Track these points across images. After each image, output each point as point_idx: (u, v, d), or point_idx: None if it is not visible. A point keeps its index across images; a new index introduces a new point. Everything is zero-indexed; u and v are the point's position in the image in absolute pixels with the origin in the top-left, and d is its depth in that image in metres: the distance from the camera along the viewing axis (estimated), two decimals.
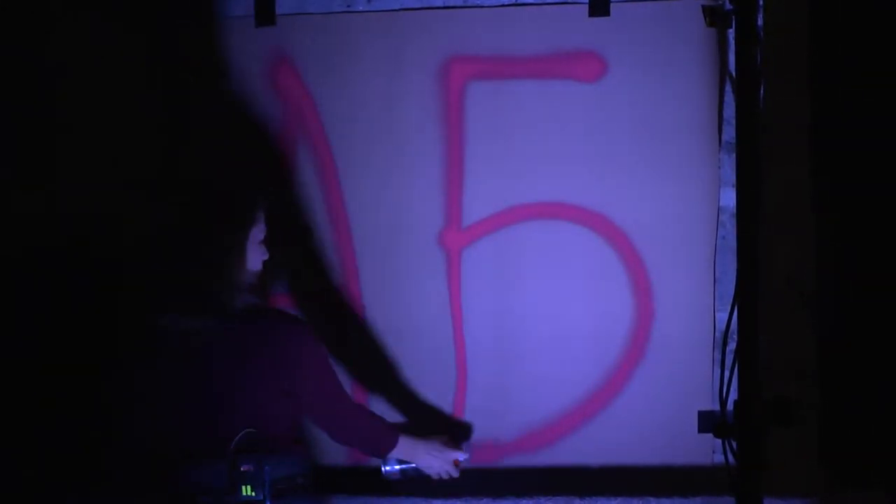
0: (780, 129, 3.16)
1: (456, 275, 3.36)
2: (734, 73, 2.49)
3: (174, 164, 3.40)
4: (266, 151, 3.41)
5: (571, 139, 3.29)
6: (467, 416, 3.38)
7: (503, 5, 3.31)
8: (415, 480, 3.15)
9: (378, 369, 3.40)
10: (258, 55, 3.39)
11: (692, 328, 3.26)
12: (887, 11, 3.08)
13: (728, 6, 3.04)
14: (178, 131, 3.41)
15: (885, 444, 3.06)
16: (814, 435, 3.14)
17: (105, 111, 3.40)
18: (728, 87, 3.21)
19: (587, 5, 3.26)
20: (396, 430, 3.08)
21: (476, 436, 3.37)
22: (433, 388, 3.38)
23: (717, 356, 3.23)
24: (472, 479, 3.30)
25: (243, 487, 2.66)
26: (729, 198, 3.22)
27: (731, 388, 2.49)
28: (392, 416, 3.37)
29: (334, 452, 3.33)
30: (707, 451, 3.26)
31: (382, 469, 3.11)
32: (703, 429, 3.25)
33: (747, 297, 2.39)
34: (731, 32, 2.80)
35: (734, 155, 2.53)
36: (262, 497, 2.66)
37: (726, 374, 2.54)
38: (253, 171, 3.37)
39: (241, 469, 2.66)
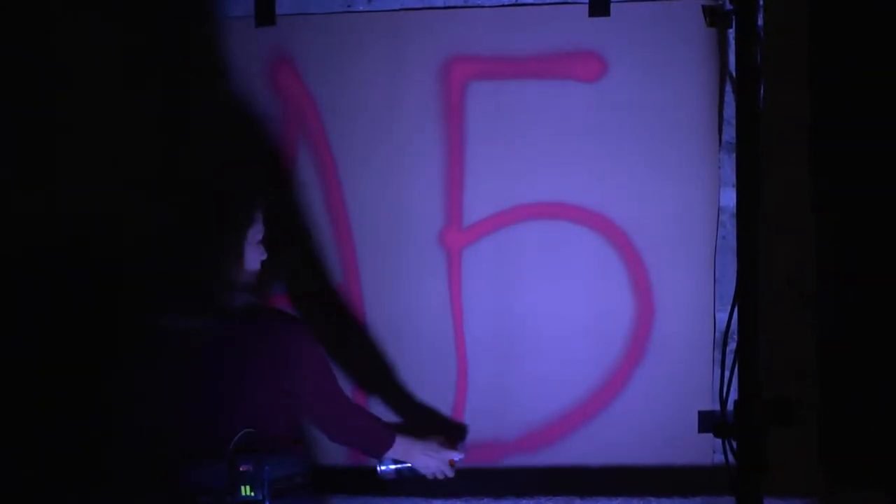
0: (780, 129, 3.16)
1: (456, 274, 3.36)
2: (734, 73, 2.48)
3: (174, 164, 3.39)
4: (266, 151, 3.41)
5: (572, 139, 3.29)
6: (467, 416, 3.38)
7: (503, 5, 3.31)
8: (410, 480, 3.16)
9: (378, 369, 3.40)
10: (258, 55, 3.40)
11: (692, 328, 3.26)
12: (887, 11, 3.08)
13: (728, 6, 3.03)
14: (178, 131, 3.41)
15: (885, 444, 3.06)
16: (814, 435, 3.14)
17: (105, 111, 3.40)
18: (728, 87, 3.21)
19: (587, 5, 3.26)
20: (393, 430, 3.09)
21: (476, 435, 3.37)
22: (433, 388, 3.38)
23: (718, 356, 3.23)
24: (473, 479, 3.30)
25: (242, 487, 2.66)
26: (729, 198, 3.22)
27: (732, 388, 2.49)
28: (392, 416, 3.38)
29: (334, 452, 3.33)
30: (707, 450, 3.26)
31: (378, 469, 3.12)
32: (703, 429, 3.25)
33: (747, 297, 2.39)
34: (732, 32, 2.80)
35: (734, 155, 2.53)
36: (261, 497, 2.66)
37: (726, 374, 2.54)
38: (253, 171, 3.37)
39: (241, 469, 2.66)
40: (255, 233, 2.86)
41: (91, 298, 3.32)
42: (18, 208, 3.37)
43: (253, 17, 3.39)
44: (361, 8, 3.37)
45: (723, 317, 2.81)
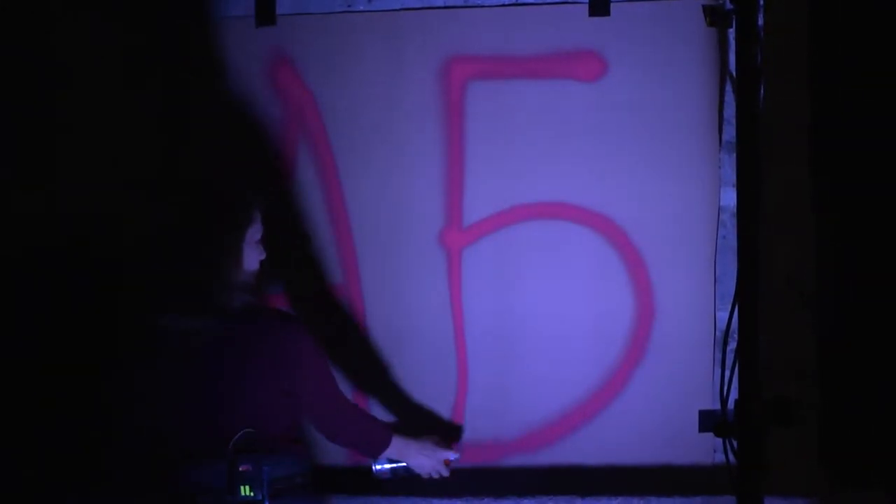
0: (780, 129, 3.16)
1: (456, 274, 3.36)
2: (734, 73, 2.48)
3: (174, 164, 3.40)
4: (266, 151, 3.41)
5: (572, 139, 3.29)
6: (467, 416, 3.38)
7: (503, 5, 3.31)
8: (406, 479, 3.16)
9: (378, 369, 3.40)
10: (258, 55, 3.40)
11: (693, 327, 3.27)
12: (887, 11, 3.08)
13: (728, 6, 3.03)
14: (178, 131, 3.41)
15: (885, 444, 3.06)
16: (814, 435, 3.14)
17: (105, 111, 3.40)
18: (728, 87, 3.21)
19: (587, 5, 3.26)
20: (390, 430, 3.09)
21: (477, 435, 3.37)
22: (434, 388, 3.38)
23: (718, 355, 3.23)
24: (474, 479, 3.30)
25: (242, 487, 2.66)
26: (729, 197, 3.22)
27: (732, 388, 2.49)
28: (392, 416, 3.38)
29: (334, 452, 3.33)
30: (708, 450, 3.26)
31: (373, 468, 3.12)
32: (703, 428, 3.22)
33: (748, 296, 2.39)
34: (732, 32, 2.79)
35: (734, 154, 2.53)
36: (260, 497, 2.66)
37: (727, 373, 2.54)
38: (253, 171, 3.37)
39: (240, 469, 2.66)
40: (254, 233, 2.86)
41: (91, 298, 3.32)
42: (18, 208, 3.37)
43: (253, 16, 3.39)
44: (361, 8, 3.37)
45: (723, 316, 2.81)
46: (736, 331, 2.42)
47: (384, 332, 3.40)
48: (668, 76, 3.23)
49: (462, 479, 3.24)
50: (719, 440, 2.60)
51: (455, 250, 3.36)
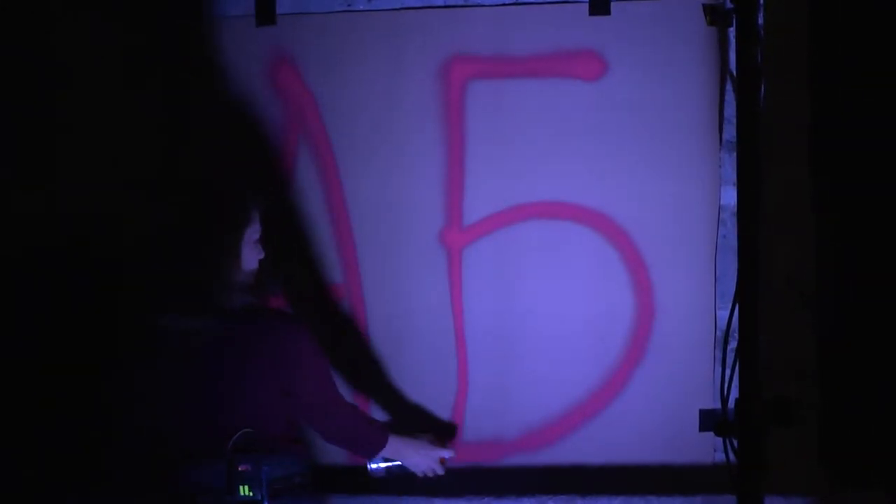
0: (780, 128, 3.16)
1: (457, 274, 3.36)
2: (735, 72, 2.49)
3: (174, 164, 3.40)
4: (267, 151, 3.41)
5: (572, 138, 3.29)
6: (468, 416, 3.37)
7: (504, 4, 3.31)
8: (400, 477, 3.16)
9: (378, 369, 3.40)
10: (259, 55, 3.39)
11: (693, 327, 3.26)
12: (887, 11, 3.08)
13: (728, 5, 3.04)
14: (178, 131, 3.41)
15: (885, 444, 3.06)
16: (814, 435, 3.14)
17: (105, 111, 3.40)
18: (729, 86, 3.21)
19: (587, 4, 3.26)
20: (386, 430, 3.10)
21: (477, 435, 3.37)
22: (434, 388, 3.38)
23: (718, 354, 3.23)
24: (474, 479, 3.31)
25: (241, 487, 2.66)
26: (730, 196, 3.22)
27: (733, 387, 2.49)
28: (392, 415, 3.38)
29: (333, 452, 3.33)
30: (708, 449, 3.26)
31: (368, 467, 3.13)
32: (704, 427, 3.25)
33: (748, 295, 2.39)
34: (732, 31, 2.80)
35: (735, 154, 2.53)
36: (259, 497, 2.66)
37: (727, 372, 2.54)
38: (254, 171, 3.38)
39: (239, 469, 2.66)
40: (252, 232, 2.86)
41: (91, 298, 3.32)
42: (18, 208, 3.37)
43: (253, 16, 3.39)
44: (362, 7, 3.37)
45: (724, 315, 2.81)
46: (736, 330, 2.42)
47: (384, 331, 3.39)
48: (668, 75, 3.23)
49: (462, 479, 3.24)
50: (719, 439, 2.61)
51: (455, 250, 3.36)
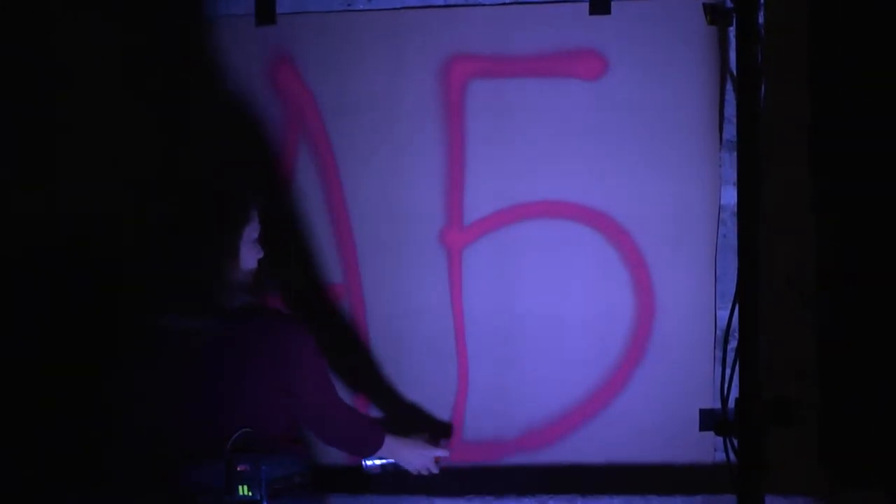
0: (780, 128, 3.16)
1: (457, 273, 3.36)
2: (735, 72, 2.48)
3: (174, 164, 3.39)
4: (267, 151, 3.40)
5: (572, 138, 3.29)
6: (468, 416, 3.37)
7: (504, 4, 3.31)
8: (395, 475, 3.17)
9: (378, 369, 3.39)
10: (258, 54, 3.39)
11: (693, 326, 3.26)
12: (887, 11, 3.09)
13: (729, 4, 3.04)
14: (178, 131, 3.41)
15: (885, 444, 3.06)
16: (814, 435, 3.14)
17: (105, 111, 3.40)
18: (729, 86, 3.21)
19: (588, 4, 3.26)
20: (383, 430, 3.10)
21: (477, 435, 3.37)
22: (434, 388, 3.38)
23: (719, 354, 3.23)
24: (475, 478, 3.30)
25: (240, 487, 2.66)
26: (730, 196, 3.22)
27: (733, 387, 2.49)
28: (391, 415, 3.38)
29: (333, 452, 3.32)
30: (708, 449, 3.26)
31: (363, 464, 3.15)
32: (704, 427, 3.25)
33: (748, 295, 2.39)
34: (732, 30, 2.80)
35: (735, 153, 2.53)
36: (258, 497, 2.65)
37: (727, 372, 2.54)
38: (253, 170, 3.37)
39: (238, 469, 2.66)
40: (251, 231, 2.85)
41: (91, 298, 3.32)
42: (18, 208, 3.37)
43: (253, 16, 3.39)
44: (361, 6, 3.37)
45: (724, 315, 2.81)
46: (736, 330, 2.42)
47: (384, 331, 3.39)
48: (668, 75, 3.23)
49: (463, 479, 3.24)
50: (720, 439, 2.60)
51: (455, 249, 3.36)
